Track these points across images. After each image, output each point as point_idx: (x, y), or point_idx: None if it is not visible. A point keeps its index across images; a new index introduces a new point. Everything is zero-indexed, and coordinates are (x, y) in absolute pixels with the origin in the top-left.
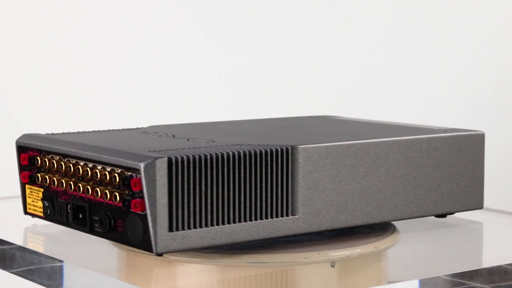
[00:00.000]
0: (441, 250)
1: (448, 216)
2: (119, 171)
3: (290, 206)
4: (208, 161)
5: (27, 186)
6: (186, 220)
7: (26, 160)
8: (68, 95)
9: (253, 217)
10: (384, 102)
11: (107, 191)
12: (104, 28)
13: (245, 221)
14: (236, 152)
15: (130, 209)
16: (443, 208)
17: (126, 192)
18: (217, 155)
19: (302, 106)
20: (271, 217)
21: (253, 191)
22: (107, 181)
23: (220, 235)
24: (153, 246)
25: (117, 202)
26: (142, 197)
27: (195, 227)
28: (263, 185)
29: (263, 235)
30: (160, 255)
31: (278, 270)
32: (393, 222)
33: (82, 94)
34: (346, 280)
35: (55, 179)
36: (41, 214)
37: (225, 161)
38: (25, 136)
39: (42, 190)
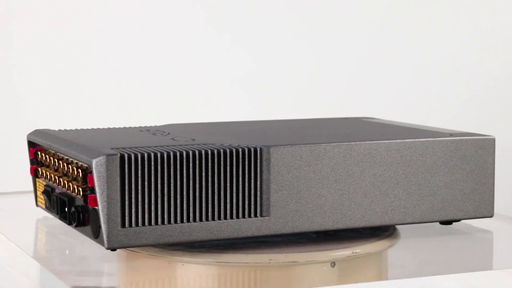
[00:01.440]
0: (433, 254)
1: (457, 223)
2: (85, 167)
3: (259, 207)
4: (165, 158)
5: (37, 179)
6: (140, 217)
7: (32, 155)
8: (93, 91)
9: (216, 216)
10: (385, 102)
11: (75, 186)
12: (105, 27)
13: (207, 220)
14: (197, 151)
15: (88, 204)
16: (444, 215)
17: (87, 187)
18: (174, 153)
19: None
20: (238, 217)
21: (216, 190)
22: (75, 176)
23: (178, 233)
24: (105, 241)
25: (81, 196)
26: (95, 193)
27: (150, 224)
28: (228, 184)
29: (228, 235)
30: (113, 250)
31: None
32: (397, 226)
33: (105, 90)
34: (346, 279)
35: (48, 173)
36: (44, 207)
37: (184, 159)
38: (35, 131)
39: (44, 183)
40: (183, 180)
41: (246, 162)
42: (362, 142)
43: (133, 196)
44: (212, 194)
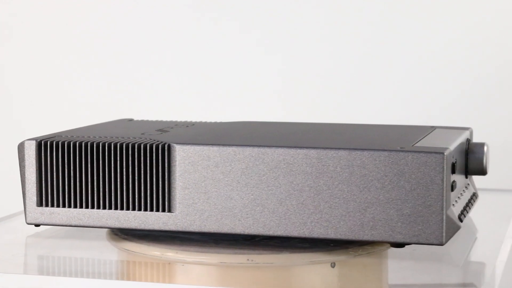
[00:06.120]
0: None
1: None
2: None
3: (166, 202)
4: (77, 147)
5: None
6: (55, 198)
7: None
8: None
9: (124, 207)
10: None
11: None
12: (107, 27)
13: (115, 208)
14: (106, 143)
15: None
16: (376, 235)
17: None
18: (86, 143)
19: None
20: (145, 210)
21: (124, 182)
22: None
23: (88, 218)
24: (25, 217)
25: None
26: None
27: (63, 206)
28: (136, 178)
29: (135, 226)
30: (36, 225)
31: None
32: None
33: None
34: (345, 280)
35: None
36: None
37: (94, 149)
38: (119, 120)
39: None
40: (94, 169)
41: (154, 157)
42: (276, 148)
43: (48, 179)
44: (121, 184)
